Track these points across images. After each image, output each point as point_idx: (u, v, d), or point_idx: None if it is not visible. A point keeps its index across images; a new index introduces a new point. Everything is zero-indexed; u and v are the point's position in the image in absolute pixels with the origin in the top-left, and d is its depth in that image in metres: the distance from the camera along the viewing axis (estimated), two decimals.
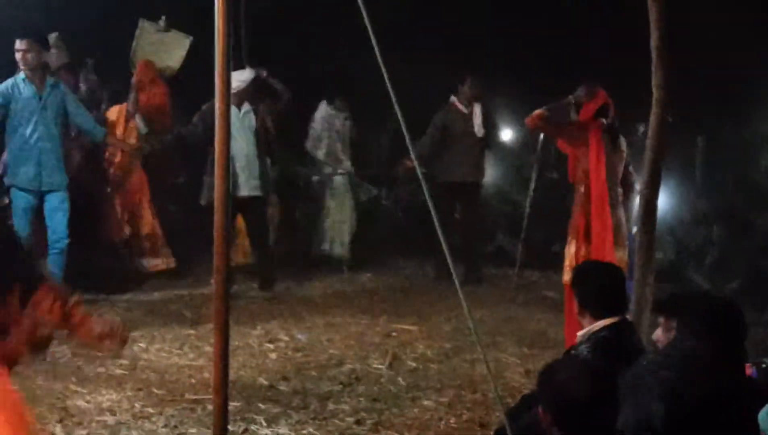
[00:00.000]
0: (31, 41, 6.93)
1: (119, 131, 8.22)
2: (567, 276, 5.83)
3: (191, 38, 8.68)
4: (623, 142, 6.29)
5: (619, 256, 5.84)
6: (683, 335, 3.31)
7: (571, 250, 5.99)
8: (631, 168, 6.47)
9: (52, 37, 7.88)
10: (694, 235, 9.50)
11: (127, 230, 8.37)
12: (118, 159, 8.24)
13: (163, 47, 8.72)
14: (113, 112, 8.32)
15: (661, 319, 3.79)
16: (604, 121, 6.00)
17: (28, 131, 6.94)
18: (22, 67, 6.94)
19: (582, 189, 5.99)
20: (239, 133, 7.67)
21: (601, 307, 4.02)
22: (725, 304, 3.54)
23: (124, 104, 8.33)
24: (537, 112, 6.07)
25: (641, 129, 8.05)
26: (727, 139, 10.01)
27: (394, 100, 3.16)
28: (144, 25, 8.65)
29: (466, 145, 8.75)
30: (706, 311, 3.39)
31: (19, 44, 6.89)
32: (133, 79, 8.39)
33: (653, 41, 5.40)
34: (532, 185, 8.57)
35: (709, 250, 9.25)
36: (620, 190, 6.11)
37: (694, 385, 3.12)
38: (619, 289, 4.22)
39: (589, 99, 6.08)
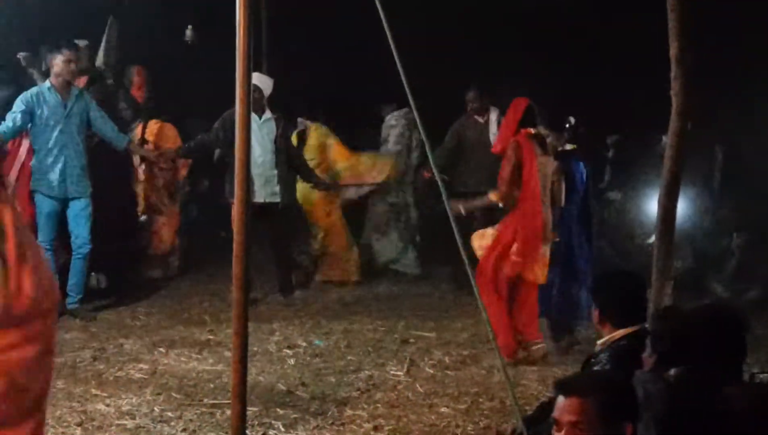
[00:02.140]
0: (75, 52, 7.06)
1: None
2: (480, 251, 6.42)
3: None
4: (549, 145, 6.71)
5: (544, 252, 6.33)
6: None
7: (489, 232, 6.49)
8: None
9: (81, 43, 7.98)
10: (713, 244, 9.47)
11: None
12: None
13: None
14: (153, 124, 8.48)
15: None
16: (531, 130, 6.42)
17: (53, 139, 7.03)
18: (63, 75, 7.03)
19: (513, 194, 6.36)
20: (257, 140, 7.71)
21: (621, 317, 4.03)
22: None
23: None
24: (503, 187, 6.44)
25: (663, 138, 8.03)
26: (746, 148, 9.96)
27: (414, 111, 3.18)
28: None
29: (482, 154, 8.73)
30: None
31: (65, 55, 7.00)
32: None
33: (672, 50, 5.39)
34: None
35: (728, 259, 9.22)
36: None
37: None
38: (640, 298, 4.23)
39: (512, 111, 6.54)
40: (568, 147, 7.21)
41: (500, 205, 6.52)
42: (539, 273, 6.36)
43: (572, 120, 7.25)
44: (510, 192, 6.39)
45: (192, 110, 9.23)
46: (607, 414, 2.76)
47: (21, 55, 7.94)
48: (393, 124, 9.35)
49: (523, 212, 6.34)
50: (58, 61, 7.03)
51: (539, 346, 6.42)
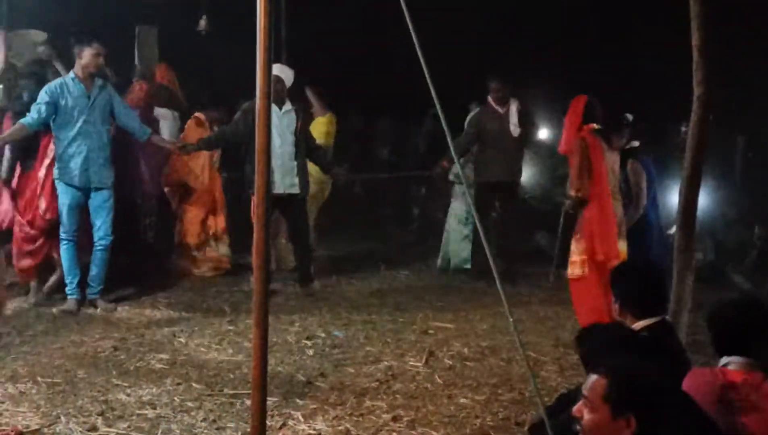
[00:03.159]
0: (102, 45, 7.11)
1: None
2: (576, 270, 6.32)
3: None
4: (616, 139, 6.75)
5: (621, 247, 6.27)
6: None
7: (579, 246, 6.33)
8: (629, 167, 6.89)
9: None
10: (734, 236, 9.41)
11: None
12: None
13: None
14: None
15: None
16: (594, 125, 6.38)
17: (77, 129, 7.06)
18: (90, 68, 7.07)
19: (586, 193, 6.33)
20: (277, 132, 7.72)
21: (641, 308, 4.02)
22: None
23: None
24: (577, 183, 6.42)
25: (683, 129, 7.99)
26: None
27: (436, 101, 3.17)
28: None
29: (503, 144, 8.72)
30: None
31: (95, 48, 7.05)
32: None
33: (694, 40, 5.37)
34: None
35: (748, 251, 9.16)
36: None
37: None
38: (660, 290, 4.22)
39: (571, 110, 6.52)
40: (635, 144, 7.14)
41: (580, 198, 6.40)
42: None
43: (629, 117, 7.18)
44: (585, 184, 6.35)
45: (212, 102, 9.24)
46: (611, 399, 2.78)
47: (41, 49, 8.00)
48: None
49: (598, 208, 6.29)
50: (87, 53, 7.06)
51: None
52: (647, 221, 7.20)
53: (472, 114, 9.11)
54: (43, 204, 7.25)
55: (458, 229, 9.35)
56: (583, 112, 6.42)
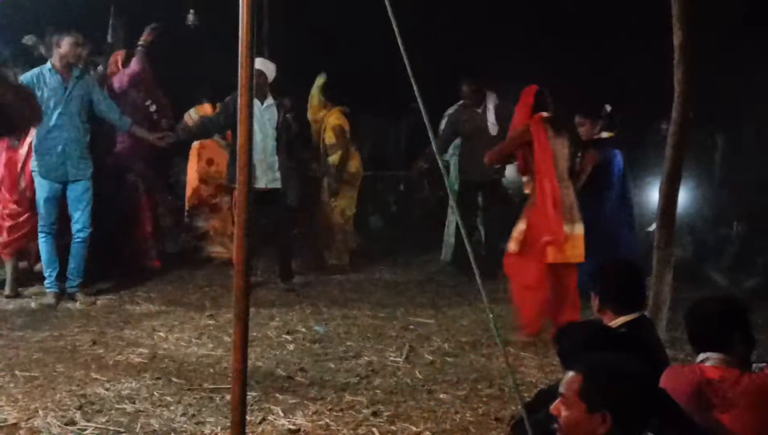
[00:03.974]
0: (82, 37, 7.06)
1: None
2: (511, 245, 6.50)
3: None
4: (585, 132, 7.14)
5: (572, 230, 6.37)
6: None
7: (521, 226, 6.48)
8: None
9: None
10: (713, 233, 9.47)
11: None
12: None
13: None
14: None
15: None
16: (543, 114, 6.46)
17: (53, 121, 7.00)
18: (68, 57, 7.01)
19: (533, 179, 6.47)
20: (259, 126, 7.70)
21: (621, 304, 4.06)
22: None
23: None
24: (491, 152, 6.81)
25: (663, 126, 8.03)
26: (747, 137, 9.96)
27: (420, 100, 3.16)
28: None
29: (482, 143, 8.70)
30: None
31: (74, 37, 6.98)
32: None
33: (676, 39, 5.39)
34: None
35: (727, 248, 9.22)
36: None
37: None
38: (639, 286, 4.25)
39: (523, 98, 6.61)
40: (605, 135, 7.26)
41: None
42: (571, 253, 6.38)
43: (608, 108, 7.28)
44: (496, 160, 6.80)
45: (195, 94, 9.20)
46: (586, 395, 2.79)
47: (27, 37, 7.95)
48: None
49: (540, 192, 6.39)
50: (65, 42, 6.99)
51: None
52: (613, 219, 7.28)
53: (450, 111, 9.12)
54: (23, 182, 7.23)
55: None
56: (533, 102, 6.50)
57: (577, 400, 2.80)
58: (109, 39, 8.43)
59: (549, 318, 6.46)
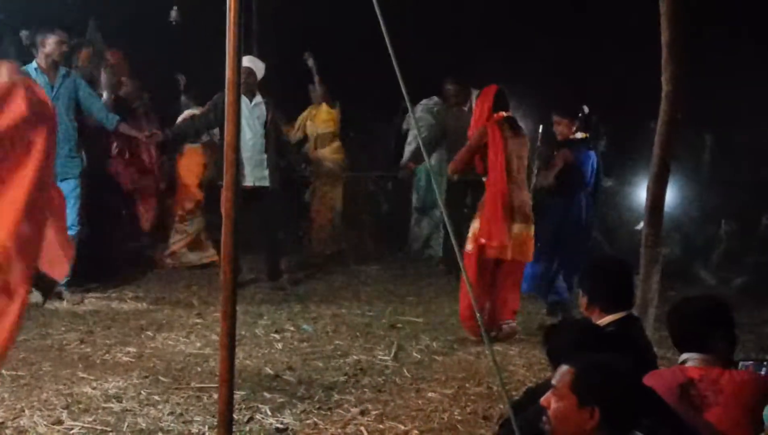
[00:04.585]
0: (66, 35, 7.03)
1: None
2: (469, 246, 6.46)
3: None
4: (561, 133, 7.29)
5: (518, 230, 6.42)
6: None
7: (475, 224, 6.51)
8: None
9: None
10: (701, 232, 9.51)
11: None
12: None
13: None
14: None
15: None
16: (503, 113, 6.53)
17: None
18: (53, 56, 6.97)
19: (486, 178, 6.55)
20: (247, 124, 7.69)
21: (609, 303, 4.06)
22: None
23: None
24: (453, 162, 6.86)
25: (652, 125, 8.07)
26: (735, 137, 9.99)
27: (408, 101, 3.16)
28: None
29: (464, 141, 8.74)
30: None
31: (58, 35, 6.94)
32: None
33: (664, 38, 5.40)
34: (534, 180, 8.58)
35: (715, 247, 9.26)
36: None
37: None
38: (627, 284, 4.25)
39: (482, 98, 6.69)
40: (579, 135, 7.32)
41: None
42: (518, 251, 6.42)
43: (586, 109, 7.36)
44: (460, 168, 6.76)
45: (181, 92, 9.18)
46: (578, 388, 2.82)
47: (23, 33, 7.92)
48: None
49: (491, 193, 6.44)
50: (50, 41, 6.95)
51: (508, 324, 6.55)
52: (584, 218, 7.34)
53: (425, 102, 9.23)
54: None
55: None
56: (492, 101, 6.54)
57: (569, 393, 2.82)
58: (87, 36, 8.41)
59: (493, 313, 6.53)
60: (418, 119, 9.22)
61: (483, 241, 6.36)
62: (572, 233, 7.26)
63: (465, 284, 6.39)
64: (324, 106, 9.59)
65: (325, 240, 9.50)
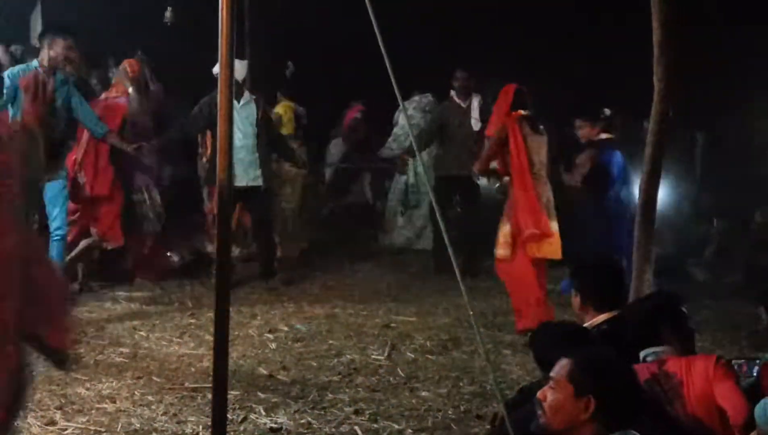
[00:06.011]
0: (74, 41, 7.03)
1: None
2: (501, 251, 6.51)
3: None
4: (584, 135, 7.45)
5: (553, 227, 6.42)
6: None
7: (505, 229, 6.49)
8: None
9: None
10: (694, 230, 9.53)
11: None
12: None
13: None
14: None
15: None
16: (521, 111, 6.55)
17: None
18: (58, 59, 6.95)
19: (509, 178, 6.58)
20: (238, 125, 7.66)
21: (601, 302, 4.09)
22: None
23: None
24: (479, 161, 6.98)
25: (644, 124, 8.10)
26: (727, 135, 10.02)
27: (399, 98, 3.17)
28: None
29: (462, 138, 8.77)
30: None
31: (68, 41, 6.91)
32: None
33: (656, 36, 5.41)
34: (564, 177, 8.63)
35: (707, 245, 9.28)
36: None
37: None
38: (619, 283, 4.29)
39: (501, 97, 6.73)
40: (603, 136, 7.42)
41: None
42: (547, 250, 6.42)
43: (607, 111, 7.47)
44: (486, 167, 6.78)
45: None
46: (575, 378, 2.85)
47: (14, 47, 7.93)
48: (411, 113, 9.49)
49: (518, 189, 6.45)
50: (59, 44, 6.89)
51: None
52: (613, 218, 7.41)
53: (416, 98, 9.30)
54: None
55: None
56: (512, 100, 6.57)
57: (566, 383, 2.85)
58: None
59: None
60: (408, 117, 9.27)
61: (529, 231, 6.32)
62: (602, 232, 7.35)
63: (520, 287, 6.45)
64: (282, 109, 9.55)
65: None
